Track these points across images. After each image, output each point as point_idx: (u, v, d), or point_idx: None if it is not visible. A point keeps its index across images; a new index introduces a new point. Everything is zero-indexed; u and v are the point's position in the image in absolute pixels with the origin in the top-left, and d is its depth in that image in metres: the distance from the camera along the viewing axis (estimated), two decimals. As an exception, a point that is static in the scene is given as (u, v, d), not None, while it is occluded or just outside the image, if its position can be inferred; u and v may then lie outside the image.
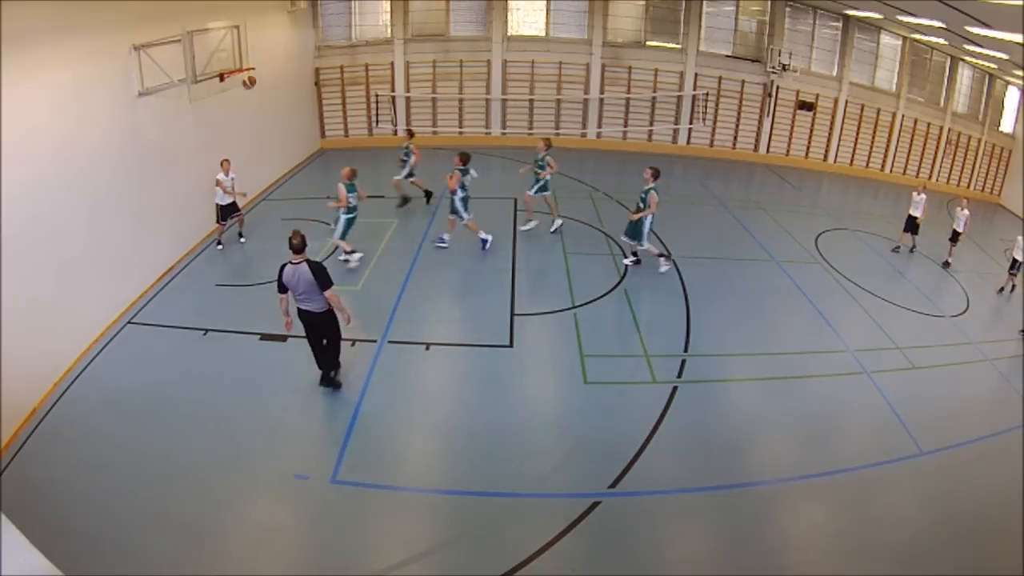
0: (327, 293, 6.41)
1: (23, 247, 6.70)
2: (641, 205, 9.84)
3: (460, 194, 10.10)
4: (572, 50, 17.46)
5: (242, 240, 11.06)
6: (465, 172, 10.24)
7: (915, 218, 12.69)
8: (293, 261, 6.38)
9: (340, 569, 5.09)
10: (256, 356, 7.83)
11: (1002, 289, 11.96)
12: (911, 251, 13.06)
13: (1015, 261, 11.85)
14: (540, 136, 12.37)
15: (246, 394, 7.09)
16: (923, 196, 12.66)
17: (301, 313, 6.68)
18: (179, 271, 9.97)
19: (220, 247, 10.78)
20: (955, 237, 12.78)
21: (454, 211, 10.36)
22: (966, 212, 12.65)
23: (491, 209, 12.26)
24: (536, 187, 11.29)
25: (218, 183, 10.33)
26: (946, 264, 12.72)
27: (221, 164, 10.32)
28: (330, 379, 7.12)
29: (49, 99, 7.23)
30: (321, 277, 6.37)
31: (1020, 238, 11.91)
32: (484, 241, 10.61)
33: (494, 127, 17.98)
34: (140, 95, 8.95)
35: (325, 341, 6.98)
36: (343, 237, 9.84)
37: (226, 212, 10.61)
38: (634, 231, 10.09)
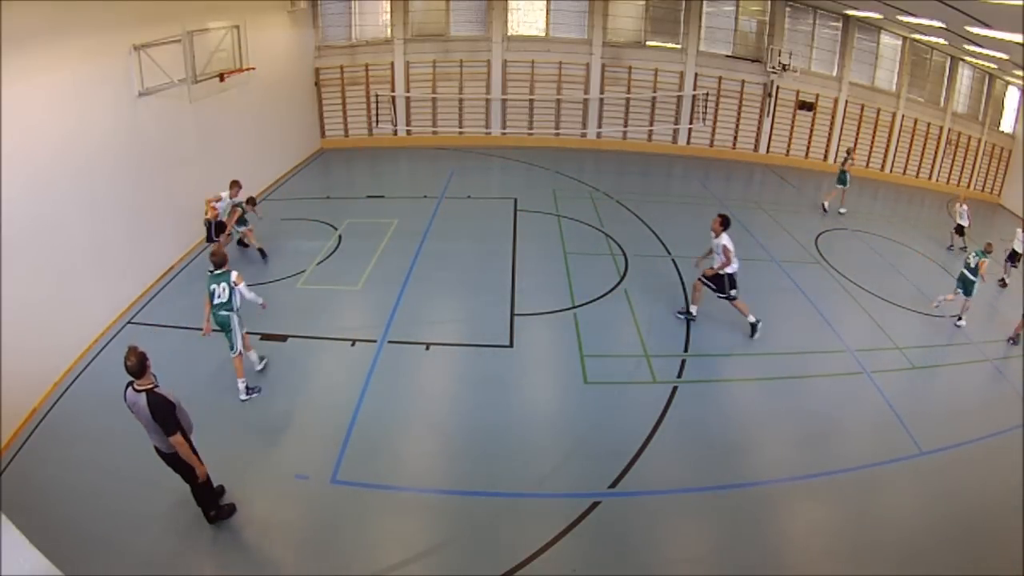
0: (172, 440, 4.82)
1: (23, 247, 6.71)
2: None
3: None
4: (572, 50, 17.45)
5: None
6: None
7: (962, 227, 13.81)
8: (135, 386, 4.75)
9: (340, 569, 5.09)
10: (256, 356, 7.83)
11: (1003, 281, 12.34)
12: (963, 249, 13.55)
13: (1014, 253, 12.48)
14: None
15: (246, 394, 7.09)
16: (966, 207, 13.65)
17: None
18: (179, 271, 9.97)
19: None
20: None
21: None
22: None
23: (492, 209, 12.27)
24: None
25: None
26: None
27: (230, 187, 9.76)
28: (209, 517, 5.46)
29: (49, 99, 7.23)
30: (161, 417, 4.71)
31: (1019, 230, 12.65)
32: None
33: (494, 127, 17.98)
34: (140, 95, 8.96)
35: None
36: None
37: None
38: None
